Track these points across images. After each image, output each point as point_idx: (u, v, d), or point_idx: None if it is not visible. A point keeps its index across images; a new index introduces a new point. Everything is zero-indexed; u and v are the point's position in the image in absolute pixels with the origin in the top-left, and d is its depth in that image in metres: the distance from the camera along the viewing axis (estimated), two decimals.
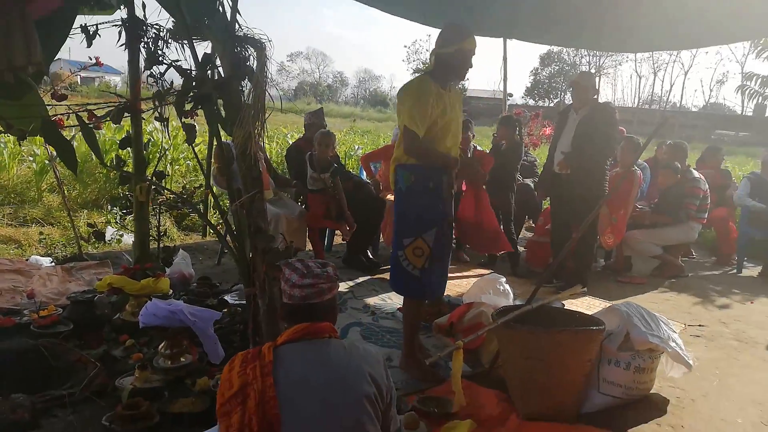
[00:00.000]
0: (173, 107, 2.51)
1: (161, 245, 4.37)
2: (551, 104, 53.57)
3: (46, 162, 6.08)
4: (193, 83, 2.31)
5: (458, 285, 4.90)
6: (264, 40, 2.30)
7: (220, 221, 5.71)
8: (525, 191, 5.94)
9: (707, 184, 5.67)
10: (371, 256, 5.33)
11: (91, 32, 3.27)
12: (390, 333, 3.68)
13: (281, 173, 5.88)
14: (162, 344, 2.80)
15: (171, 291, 3.65)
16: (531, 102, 55.24)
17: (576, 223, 4.77)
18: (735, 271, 6.06)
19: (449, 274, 5.12)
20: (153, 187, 3.97)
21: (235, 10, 2.32)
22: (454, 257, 5.72)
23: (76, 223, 5.80)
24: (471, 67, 2.96)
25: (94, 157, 7.07)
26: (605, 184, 4.68)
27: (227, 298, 3.94)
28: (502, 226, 5.50)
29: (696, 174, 5.66)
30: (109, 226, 5.63)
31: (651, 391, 3.01)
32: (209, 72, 2.36)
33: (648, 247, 5.44)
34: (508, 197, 5.37)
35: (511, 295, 3.87)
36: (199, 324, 2.75)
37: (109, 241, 5.32)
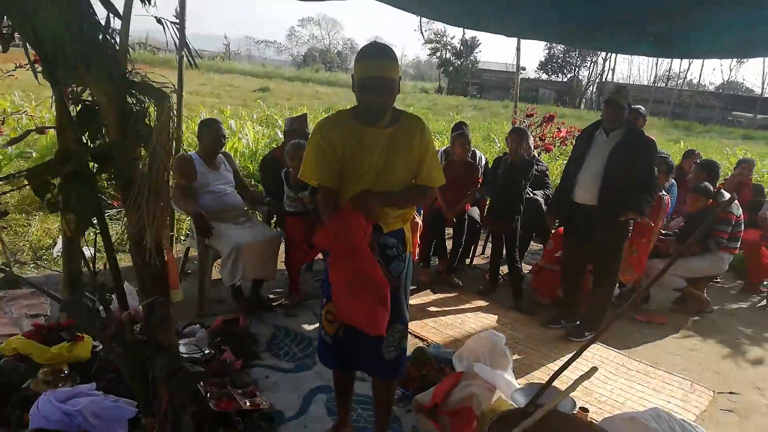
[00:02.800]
0: None
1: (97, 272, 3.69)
2: (564, 80, 52.21)
3: None
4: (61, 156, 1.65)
5: (451, 323, 4.27)
6: (168, 88, 1.62)
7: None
8: (534, 207, 5.25)
9: (740, 208, 4.99)
10: None
11: None
12: (362, 404, 3.06)
13: (253, 183, 5.21)
14: None
15: (99, 349, 3.04)
16: (544, 76, 53.87)
17: (593, 258, 4.14)
18: (765, 303, 5.41)
19: (440, 308, 4.62)
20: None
21: (125, 43, 1.64)
22: (443, 282, 5.11)
23: (30, 230, 5.22)
24: (373, 98, 2.25)
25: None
26: (631, 221, 4.01)
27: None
28: (504, 251, 4.86)
29: (728, 197, 4.96)
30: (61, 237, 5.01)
31: None
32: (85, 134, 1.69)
33: (671, 279, 4.77)
34: (512, 220, 4.69)
35: (510, 362, 3.23)
36: (104, 429, 2.15)
37: (57, 257, 4.71)
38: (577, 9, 4.14)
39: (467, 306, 4.65)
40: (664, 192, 4.64)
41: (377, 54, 2.26)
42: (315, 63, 70.17)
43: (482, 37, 64.17)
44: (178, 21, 4.68)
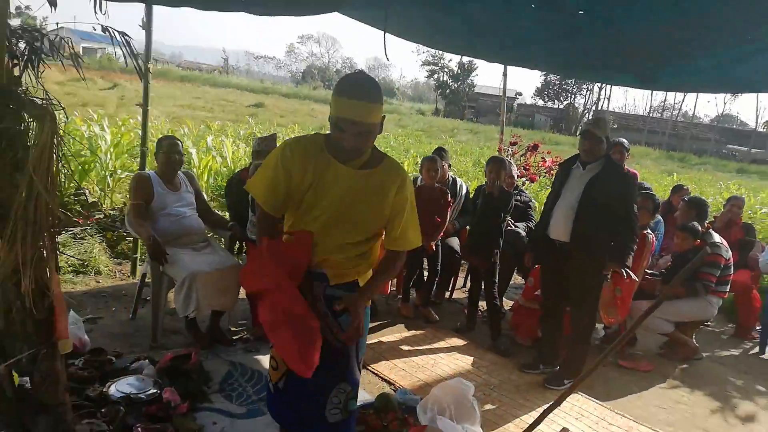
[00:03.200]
0: None
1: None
2: (561, 106, 52.50)
3: None
4: None
5: (422, 364, 3.99)
6: (54, 105, 1.38)
7: None
8: (514, 240, 5.01)
9: (729, 251, 4.76)
10: None
11: None
12: None
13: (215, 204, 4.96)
14: None
15: None
16: (540, 102, 54.16)
17: (572, 298, 3.88)
18: (757, 350, 5.16)
19: (412, 347, 4.34)
20: None
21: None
22: (420, 315, 4.86)
23: None
24: (346, 139, 1.92)
25: None
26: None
27: (116, 387, 3.06)
28: (483, 287, 4.60)
29: (717, 238, 4.74)
30: None
31: None
32: None
33: (657, 323, 4.53)
34: (490, 254, 4.44)
35: (478, 414, 2.97)
36: None
37: None
38: (558, 43, 4.00)
39: (442, 345, 4.37)
40: (648, 230, 4.41)
41: (358, 95, 1.89)
42: (313, 80, 70.50)
43: (479, 61, 64.71)
44: (144, 29, 4.50)
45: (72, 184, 6.04)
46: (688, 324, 4.70)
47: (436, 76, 52.38)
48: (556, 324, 4.05)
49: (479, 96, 51.15)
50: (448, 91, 50.47)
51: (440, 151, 5.44)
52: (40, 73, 1.73)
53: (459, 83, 50.09)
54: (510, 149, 6.36)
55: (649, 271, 4.79)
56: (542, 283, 4.13)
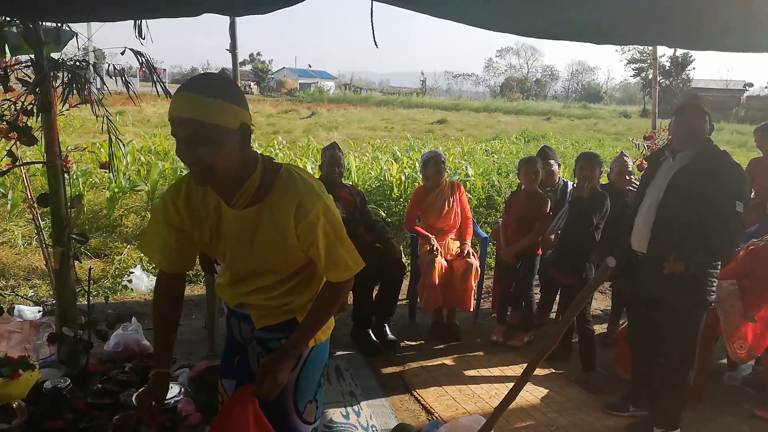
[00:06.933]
0: None
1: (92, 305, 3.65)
2: None
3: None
4: None
5: (480, 394, 3.46)
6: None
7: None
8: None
9: None
10: (388, 333, 4.12)
11: None
12: None
13: None
14: None
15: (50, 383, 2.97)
16: None
17: (663, 340, 3.02)
18: None
19: (479, 372, 3.79)
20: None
21: None
22: (514, 336, 4.26)
23: (120, 258, 5.61)
24: (181, 152, 1.48)
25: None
26: (712, 281, 2.85)
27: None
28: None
29: None
30: (138, 266, 5.28)
31: None
32: None
33: None
34: (580, 269, 3.70)
35: None
36: None
37: (126, 284, 4.94)
38: None
39: (517, 373, 3.76)
40: None
41: (185, 87, 1.48)
42: (511, 92, 69.35)
43: (697, 53, 57.50)
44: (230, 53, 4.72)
45: None
46: None
47: (643, 74, 47.85)
48: (646, 356, 3.20)
49: (696, 92, 45.31)
50: (658, 89, 45.72)
51: (545, 151, 4.81)
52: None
53: (671, 79, 44.97)
54: (645, 144, 5.33)
55: None
56: (627, 309, 3.32)
